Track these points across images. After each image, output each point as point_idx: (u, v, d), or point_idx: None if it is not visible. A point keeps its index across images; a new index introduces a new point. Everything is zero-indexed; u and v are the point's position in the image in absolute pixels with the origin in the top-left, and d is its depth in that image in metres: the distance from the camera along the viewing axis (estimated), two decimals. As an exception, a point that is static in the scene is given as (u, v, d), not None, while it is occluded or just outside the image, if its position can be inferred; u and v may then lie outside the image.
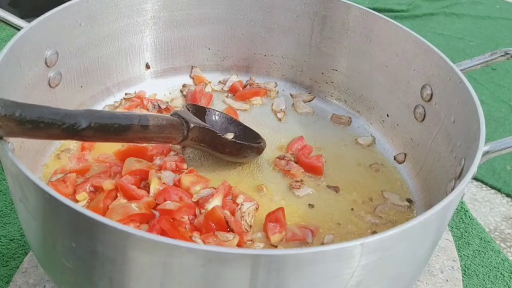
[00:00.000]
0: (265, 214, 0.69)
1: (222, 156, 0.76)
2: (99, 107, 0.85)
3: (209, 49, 0.93)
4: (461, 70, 0.71)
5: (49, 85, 0.74)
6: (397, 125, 0.84)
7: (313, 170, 0.78)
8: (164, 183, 0.71)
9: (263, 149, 0.80)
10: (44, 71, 0.72)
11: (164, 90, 0.91)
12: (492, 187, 1.03)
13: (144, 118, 0.63)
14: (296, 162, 0.79)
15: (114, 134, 0.60)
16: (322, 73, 0.91)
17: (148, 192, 0.69)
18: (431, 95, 0.76)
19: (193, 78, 0.93)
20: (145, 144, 0.75)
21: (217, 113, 0.82)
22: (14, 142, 0.64)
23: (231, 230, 0.65)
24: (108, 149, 0.77)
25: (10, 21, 0.70)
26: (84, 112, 0.57)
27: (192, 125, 0.70)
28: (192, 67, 0.93)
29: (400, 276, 0.55)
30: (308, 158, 0.79)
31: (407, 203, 0.75)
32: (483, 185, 1.03)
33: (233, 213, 0.69)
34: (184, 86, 0.92)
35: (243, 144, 0.76)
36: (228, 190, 0.72)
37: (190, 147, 0.78)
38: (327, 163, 0.80)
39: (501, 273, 0.84)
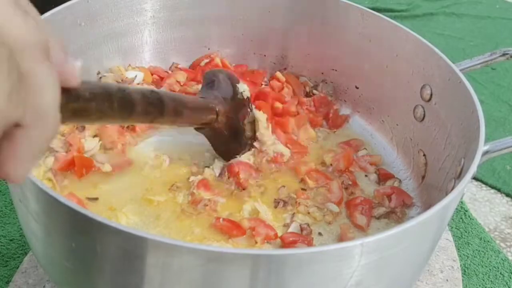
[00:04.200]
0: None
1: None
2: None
3: (208, 49, 0.93)
4: (461, 70, 0.71)
5: (49, 85, 0.74)
6: (397, 125, 0.84)
7: None
8: None
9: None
10: (44, 71, 0.72)
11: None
12: (492, 187, 1.03)
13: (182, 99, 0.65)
14: None
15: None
16: (322, 73, 0.91)
17: None
18: (431, 95, 0.76)
19: None
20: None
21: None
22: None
23: None
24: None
25: (10, 21, 0.70)
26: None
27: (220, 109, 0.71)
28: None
29: (400, 276, 0.55)
30: None
31: None
32: (483, 185, 1.03)
33: None
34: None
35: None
36: None
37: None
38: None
39: (501, 273, 0.84)
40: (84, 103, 0.43)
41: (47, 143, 0.34)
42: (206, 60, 0.91)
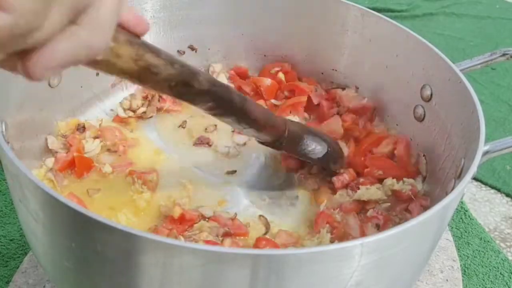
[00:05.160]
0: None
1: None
2: (100, 107, 0.84)
3: (209, 49, 0.93)
4: (461, 70, 0.71)
5: (49, 85, 0.74)
6: (397, 125, 0.84)
7: None
8: None
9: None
10: (44, 71, 0.72)
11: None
12: (492, 187, 1.03)
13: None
14: None
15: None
16: (322, 73, 0.91)
17: None
18: (431, 95, 0.76)
19: None
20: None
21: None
22: (14, 142, 0.64)
23: None
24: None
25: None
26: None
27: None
28: None
29: (400, 276, 0.55)
30: None
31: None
32: (483, 185, 1.03)
33: None
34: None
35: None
36: None
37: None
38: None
39: (500, 273, 0.84)
40: (137, 51, 0.43)
41: (85, 52, 0.35)
42: (277, 68, 0.91)
